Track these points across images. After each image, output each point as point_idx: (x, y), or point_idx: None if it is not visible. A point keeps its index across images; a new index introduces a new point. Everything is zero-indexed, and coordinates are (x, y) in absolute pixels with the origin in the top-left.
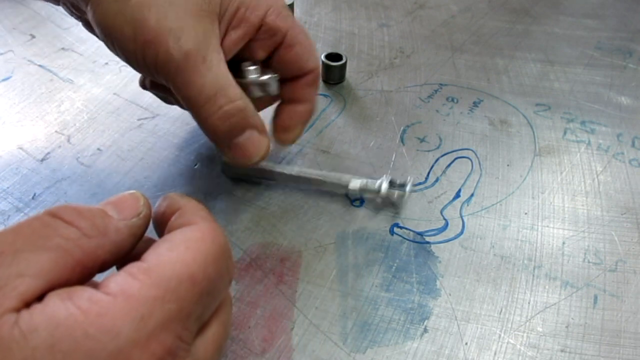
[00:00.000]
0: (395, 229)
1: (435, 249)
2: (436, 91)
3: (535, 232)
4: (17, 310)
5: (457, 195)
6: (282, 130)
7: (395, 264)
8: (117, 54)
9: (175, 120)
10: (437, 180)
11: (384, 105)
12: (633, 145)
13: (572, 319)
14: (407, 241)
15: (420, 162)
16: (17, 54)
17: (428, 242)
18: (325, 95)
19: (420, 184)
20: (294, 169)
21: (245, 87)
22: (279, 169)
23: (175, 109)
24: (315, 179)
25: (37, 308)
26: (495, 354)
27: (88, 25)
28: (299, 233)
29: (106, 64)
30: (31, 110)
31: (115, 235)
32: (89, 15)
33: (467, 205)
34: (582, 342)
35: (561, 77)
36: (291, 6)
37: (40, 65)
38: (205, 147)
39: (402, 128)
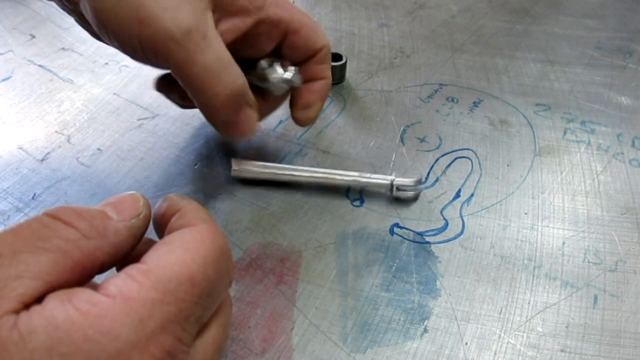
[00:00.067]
0: (395, 229)
1: (435, 249)
2: (436, 91)
3: (535, 232)
4: (16, 312)
5: (457, 195)
6: (303, 109)
7: (395, 264)
8: (110, 41)
9: (175, 120)
10: (437, 180)
11: (384, 105)
12: (633, 145)
13: (572, 319)
14: (407, 241)
15: (420, 162)
16: (17, 54)
17: (428, 242)
18: None
19: (420, 184)
20: (305, 170)
21: (268, 86)
22: (290, 171)
23: (176, 109)
24: (341, 179)
25: (36, 310)
26: (495, 354)
27: (81, 19)
28: (299, 233)
29: (106, 64)
30: (31, 110)
31: (114, 237)
32: (81, 1)
33: (467, 205)
34: (582, 342)
35: (561, 77)
36: None
37: (40, 65)
38: (205, 147)
39: (402, 128)
